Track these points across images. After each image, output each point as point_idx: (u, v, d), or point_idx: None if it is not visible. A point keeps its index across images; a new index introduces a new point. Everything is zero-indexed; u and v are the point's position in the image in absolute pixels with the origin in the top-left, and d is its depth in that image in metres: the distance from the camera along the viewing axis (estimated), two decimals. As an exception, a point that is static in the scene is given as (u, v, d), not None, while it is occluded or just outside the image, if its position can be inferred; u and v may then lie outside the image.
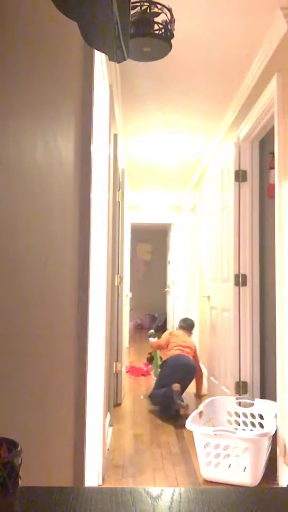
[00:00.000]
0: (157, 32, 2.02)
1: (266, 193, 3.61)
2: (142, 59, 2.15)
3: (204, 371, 5.36)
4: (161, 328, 10.14)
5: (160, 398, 4.08)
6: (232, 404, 3.33)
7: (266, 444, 2.62)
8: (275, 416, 2.78)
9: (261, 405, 3.22)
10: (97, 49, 0.91)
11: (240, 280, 3.63)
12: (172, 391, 3.95)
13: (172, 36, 2.05)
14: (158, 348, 4.82)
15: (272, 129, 3.32)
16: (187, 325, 4.95)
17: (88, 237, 1.70)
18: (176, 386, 3.98)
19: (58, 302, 1.23)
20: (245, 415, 3.28)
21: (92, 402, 2.51)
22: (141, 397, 4.71)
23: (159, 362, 4.77)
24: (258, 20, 2.67)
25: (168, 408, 3.96)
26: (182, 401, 3.92)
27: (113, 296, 3.56)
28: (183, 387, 4.15)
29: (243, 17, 2.63)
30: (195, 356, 4.60)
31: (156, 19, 2.04)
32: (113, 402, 4.09)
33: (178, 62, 3.16)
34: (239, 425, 3.29)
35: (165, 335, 4.80)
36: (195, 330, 6.58)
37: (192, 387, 4.67)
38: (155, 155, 5.39)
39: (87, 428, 1.81)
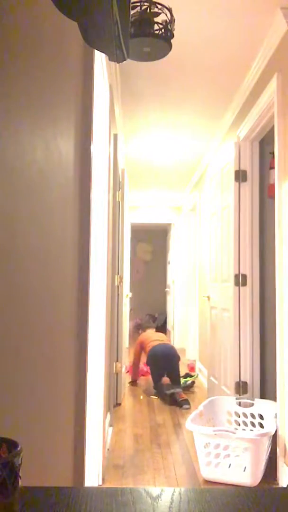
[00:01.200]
0: (157, 32, 2.02)
1: (266, 193, 3.61)
2: (142, 59, 2.15)
3: (204, 371, 5.37)
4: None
5: (160, 390, 4.67)
6: (232, 404, 3.33)
7: (266, 444, 2.62)
8: (275, 416, 2.78)
9: (261, 405, 3.22)
10: (97, 49, 0.91)
11: (240, 280, 3.63)
12: (162, 385, 4.63)
13: (172, 36, 2.05)
14: (138, 356, 5.16)
15: (272, 129, 3.32)
16: (154, 324, 5.57)
17: (88, 237, 1.70)
18: (165, 380, 4.71)
19: (58, 302, 1.23)
20: (245, 415, 3.28)
21: (92, 402, 2.51)
22: (141, 397, 4.71)
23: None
24: (258, 20, 2.67)
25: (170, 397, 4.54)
26: (177, 387, 4.50)
27: (113, 296, 3.56)
28: (174, 374, 4.68)
29: (243, 17, 2.63)
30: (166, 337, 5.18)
31: (156, 19, 2.04)
32: (113, 402, 4.09)
33: (178, 62, 3.16)
34: (239, 425, 3.29)
35: (136, 346, 5.19)
36: (195, 330, 6.59)
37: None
38: (155, 155, 5.39)
39: (87, 428, 1.81)
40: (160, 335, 5.16)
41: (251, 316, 3.62)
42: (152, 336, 5.10)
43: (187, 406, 4.31)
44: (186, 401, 4.35)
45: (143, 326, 5.72)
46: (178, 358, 4.76)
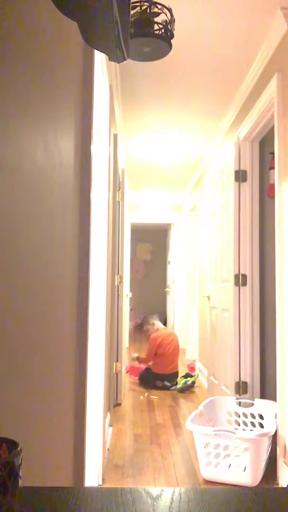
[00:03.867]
0: (157, 32, 2.02)
1: (266, 193, 3.61)
2: (142, 59, 2.15)
3: (204, 371, 5.37)
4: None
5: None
6: (232, 404, 3.33)
7: (266, 444, 2.62)
8: (275, 416, 2.78)
9: (261, 405, 3.22)
10: (97, 49, 0.91)
11: (240, 280, 3.63)
12: (165, 385, 5.10)
13: (172, 36, 2.05)
14: (148, 362, 5.36)
15: (272, 129, 3.32)
16: (154, 315, 5.81)
17: (88, 237, 1.70)
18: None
19: (58, 302, 1.23)
20: (245, 415, 3.28)
21: (92, 402, 2.51)
22: (141, 397, 4.71)
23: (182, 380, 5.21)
24: (258, 20, 2.66)
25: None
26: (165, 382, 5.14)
27: (113, 296, 3.56)
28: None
29: (243, 17, 2.63)
30: (177, 342, 5.37)
31: (156, 19, 2.04)
32: (113, 402, 4.09)
33: (178, 62, 3.16)
34: (239, 425, 3.29)
35: (152, 343, 5.31)
36: (195, 330, 6.59)
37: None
38: (155, 155, 5.39)
39: (87, 428, 1.81)
40: (170, 336, 5.34)
41: (251, 316, 3.62)
42: (166, 342, 5.25)
43: (174, 387, 5.00)
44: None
45: (148, 319, 5.78)
46: None
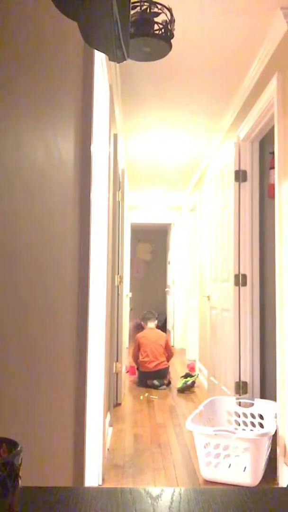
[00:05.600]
0: (157, 32, 2.02)
1: (266, 193, 3.61)
2: (142, 59, 2.15)
3: (204, 371, 5.37)
4: (161, 328, 10.11)
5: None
6: (232, 404, 3.33)
7: (266, 444, 2.62)
8: (275, 416, 2.78)
9: (261, 405, 3.22)
10: (97, 49, 0.91)
11: (240, 280, 3.63)
12: (153, 384, 5.13)
13: (172, 36, 2.05)
14: (134, 359, 5.47)
15: (272, 129, 3.32)
16: (153, 315, 5.72)
17: (88, 237, 1.70)
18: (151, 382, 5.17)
19: (58, 302, 1.23)
20: (245, 415, 3.28)
21: (92, 402, 2.51)
22: (141, 397, 4.71)
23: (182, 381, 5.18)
24: (258, 20, 2.66)
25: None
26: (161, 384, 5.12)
27: (113, 296, 3.55)
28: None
29: (243, 17, 2.63)
30: (167, 346, 5.38)
31: (156, 19, 2.04)
32: (113, 402, 4.09)
33: (178, 62, 3.16)
34: (239, 425, 3.29)
35: (134, 345, 5.44)
36: (195, 330, 6.59)
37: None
38: (155, 155, 5.39)
39: (87, 428, 1.81)
40: (157, 342, 5.35)
41: (251, 316, 3.62)
42: (149, 345, 5.29)
43: (163, 387, 5.05)
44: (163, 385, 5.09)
45: (145, 317, 5.76)
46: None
